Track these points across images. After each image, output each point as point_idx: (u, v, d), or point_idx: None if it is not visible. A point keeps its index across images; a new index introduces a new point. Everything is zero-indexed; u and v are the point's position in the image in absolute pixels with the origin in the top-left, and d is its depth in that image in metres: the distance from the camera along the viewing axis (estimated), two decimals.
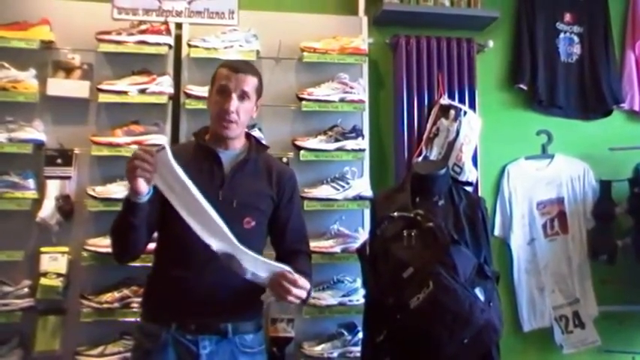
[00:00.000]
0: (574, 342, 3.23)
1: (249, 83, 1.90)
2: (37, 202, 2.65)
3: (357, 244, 2.63)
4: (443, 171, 2.19)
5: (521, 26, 3.45)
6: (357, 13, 3.16)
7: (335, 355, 2.72)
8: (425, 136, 3.11)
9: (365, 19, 3.13)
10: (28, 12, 2.78)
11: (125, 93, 2.72)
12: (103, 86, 2.72)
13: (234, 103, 1.85)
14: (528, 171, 3.38)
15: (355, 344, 2.70)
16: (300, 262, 1.89)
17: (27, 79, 2.69)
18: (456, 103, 3.16)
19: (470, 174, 3.09)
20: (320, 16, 3.11)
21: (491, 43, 3.32)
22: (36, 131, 2.69)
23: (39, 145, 2.69)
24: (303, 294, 1.71)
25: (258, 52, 2.89)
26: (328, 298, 2.76)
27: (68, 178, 2.70)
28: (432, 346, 1.85)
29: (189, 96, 2.79)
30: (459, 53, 3.24)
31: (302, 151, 2.83)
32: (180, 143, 2.75)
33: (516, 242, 3.31)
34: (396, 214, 2.04)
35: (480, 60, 3.30)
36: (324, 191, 2.82)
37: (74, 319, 2.61)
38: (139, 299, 2.53)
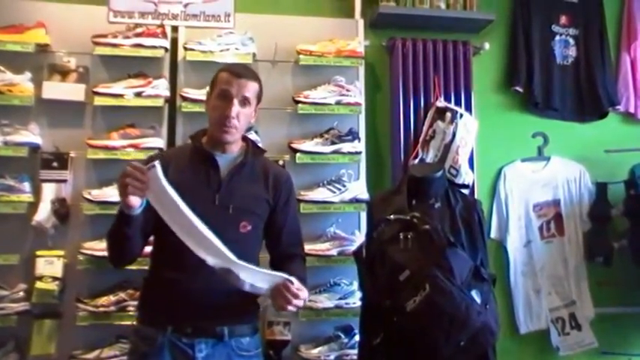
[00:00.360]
0: (570, 344, 3.23)
1: (251, 89, 1.89)
2: (33, 206, 2.65)
3: (353, 247, 2.62)
4: (439, 173, 2.19)
5: (517, 29, 3.46)
6: (353, 16, 3.17)
7: (332, 357, 2.71)
8: (421, 139, 3.12)
9: (361, 22, 3.13)
10: (24, 15, 2.78)
11: (121, 96, 2.72)
12: (98, 89, 2.72)
13: (236, 108, 1.85)
14: (524, 173, 3.38)
15: (352, 347, 2.70)
16: (295, 267, 1.89)
17: (22, 83, 2.68)
18: (452, 105, 3.16)
19: (466, 176, 3.09)
20: (316, 19, 3.11)
21: (487, 46, 3.33)
22: (32, 134, 2.68)
23: (35, 148, 2.68)
24: (301, 303, 1.72)
25: (254, 55, 2.89)
26: (325, 300, 2.75)
27: (64, 181, 2.70)
28: (429, 348, 1.85)
29: (185, 99, 2.79)
30: (455, 56, 3.24)
31: (298, 154, 2.83)
32: (177, 146, 2.75)
33: (513, 244, 3.32)
34: (392, 216, 2.04)
35: (475, 62, 3.31)
36: (320, 194, 2.82)
37: (70, 323, 2.60)
38: (135, 303, 2.51)
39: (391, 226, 2.02)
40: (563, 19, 3.52)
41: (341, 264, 2.79)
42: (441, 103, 3.15)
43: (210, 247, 1.66)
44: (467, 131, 3.12)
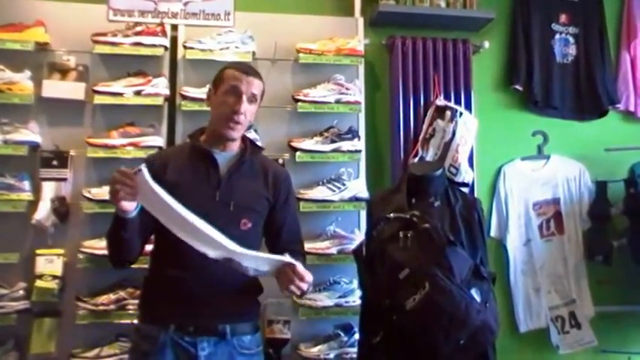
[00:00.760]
0: (570, 342, 3.23)
1: (258, 87, 1.93)
2: (33, 204, 2.65)
3: (353, 246, 2.62)
4: (439, 172, 2.19)
5: (517, 27, 3.46)
6: (353, 15, 3.16)
7: (331, 356, 2.71)
8: (421, 137, 3.12)
9: (361, 20, 3.13)
10: (23, 14, 2.78)
11: (121, 95, 2.72)
12: (98, 88, 2.72)
13: (245, 104, 1.87)
14: (524, 172, 3.38)
15: (352, 345, 2.70)
16: None
17: (22, 81, 2.68)
18: (451, 104, 3.16)
19: (466, 175, 3.09)
20: (316, 17, 3.11)
21: (486, 44, 3.33)
22: (31, 133, 2.68)
23: (34, 146, 2.68)
24: (305, 286, 1.74)
25: (254, 53, 2.89)
26: (324, 299, 2.75)
27: (64, 179, 2.70)
28: (429, 347, 1.85)
29: (184, 97, 2.78)
30: (454, 54, 3.24)
31: (298, 153, 2.83)
32: (175, 145, 2.75)
33: (512, 243, 3.32)
34: (392, 215, 2.04)
35: (475, 61, 3.31)
36: (320, 192, 2.82)
37: (70, 322, 2.61)
38: (135, 301, 2.52)
39: (391, 224, 2.02)
40: (563, 18, 3.52)
41: (341, 262, 2.79)
42: (440, 101, 3.15)
43: (208, 241, 1.67)
44: (467, 130, 3.12)
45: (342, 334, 2.75)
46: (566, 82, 3.49)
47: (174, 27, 2.91)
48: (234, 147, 1.95)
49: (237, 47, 2.86)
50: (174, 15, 2.88)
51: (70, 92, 2.74)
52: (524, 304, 3.28)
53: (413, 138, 3.14)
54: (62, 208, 2.68)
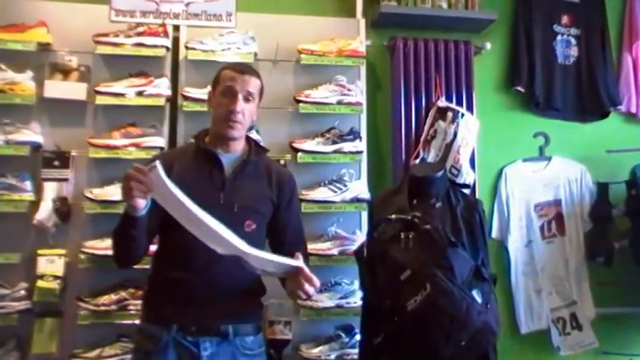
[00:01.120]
0: (571, 344, 3.23)
1: (254, 85, 1.93)
2: (34, 205, 2.65)
3: (354, 247, 2.62)
4: (440, 173, 2.19)
5: (519, 28, 3.46)
6: (354, 16, 3.16)
7: (332, 357, 2.71)
8: (422, 139, 3.12)
9: (362, 22, 3.13)
10: (26, 14, 2.78)
11: (122, 95, 2.72)
12: (100, 88, 2.72)
13: (241, 104, 1.88)
14: (526, 173, 3.38)
15: (353, 346, 2.70)
16: None
17: (24, 81, 2.69)
18: (453, 105, 3.16)
19: (467, 176, 3.09)
20: (317, 19, 3.11)
21: (488, 46, 3.33)
22: (33, 133, 2.68)
23: (36, 147, 2.69)
24: (312, 291, 1.74)
25: (255, 54, 2.89)
26: (326, 300, 2.75)
27: (65, 180, 2.70)
28: (430, 348, 1.85)
29: (186, 98, 2.79)
30: (456, 55, 3.24)
31: (299, 153, 2.83)
32: (179, 146, 2.75)
33: (514, 244, 3.31)
34: (393, 216, 2.04)
35: (477, 62, 3.31)
36: (321, 193, 2.82)
37: (71, 322, 2.61)
38: (136, 301, 2.53)
39: (392, 225, 2.02)
40: (564, 19, 3.52)
41: (342, 263, 2.79)
42: (442, 102, 3.15)
43: (218, 239, 1.67)
44: (468, 131, 3.12)
45: (343, 335, 2.75)
46: (567, 83, 3.49)
47: (176, 28, 2.92)
48: (239, 148, 1.95)
49: (238, 48, 2.86)
50: (176, 16, 2.89)
51: (71, 93, 2.75)
52: (525, 306, 3.27)
53: (414, 139, 3.14)
54: (64, 209, 2.68)
